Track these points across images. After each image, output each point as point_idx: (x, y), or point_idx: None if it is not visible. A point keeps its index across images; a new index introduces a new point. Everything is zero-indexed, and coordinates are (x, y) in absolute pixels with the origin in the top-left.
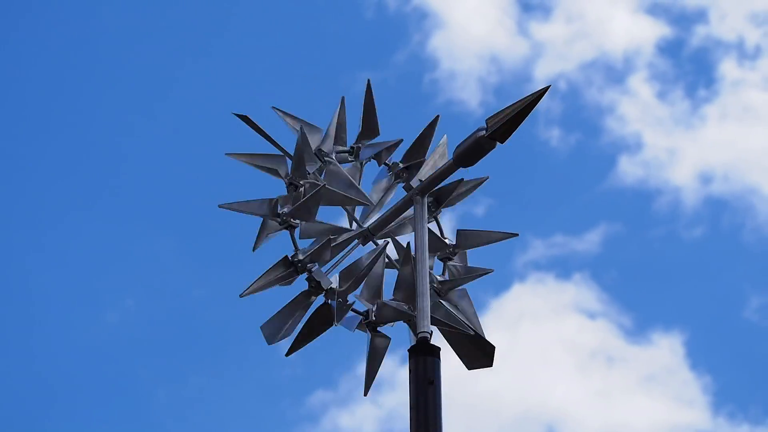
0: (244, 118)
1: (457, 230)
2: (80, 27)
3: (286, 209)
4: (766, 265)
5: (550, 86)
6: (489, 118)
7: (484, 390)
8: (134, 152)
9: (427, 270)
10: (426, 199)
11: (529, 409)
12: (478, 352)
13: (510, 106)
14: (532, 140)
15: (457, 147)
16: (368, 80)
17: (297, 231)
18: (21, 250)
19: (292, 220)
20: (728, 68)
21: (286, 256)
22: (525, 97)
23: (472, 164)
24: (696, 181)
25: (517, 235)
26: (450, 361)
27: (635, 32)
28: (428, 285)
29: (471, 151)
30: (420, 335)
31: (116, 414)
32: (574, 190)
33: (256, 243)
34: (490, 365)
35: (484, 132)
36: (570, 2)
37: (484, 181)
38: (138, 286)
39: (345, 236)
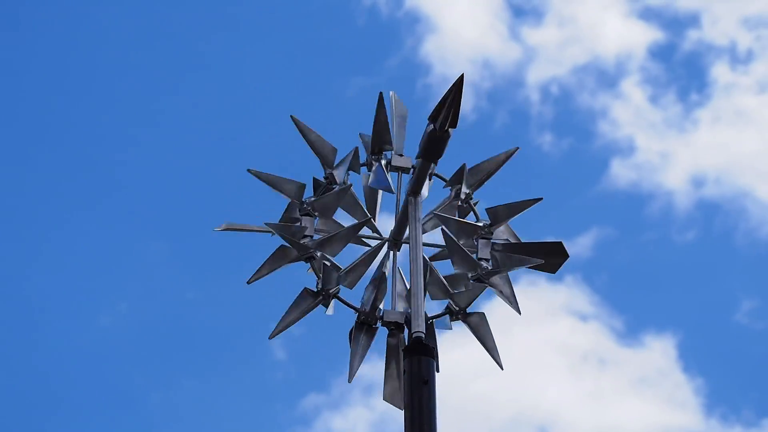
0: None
1: (486, 209)
2: (78, 37)
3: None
4: (758, 268)
5: (463, 74)
6: None
7: (476, 392)
8: (128, 157)
9: (422, 270)
10: (419, 200)
11: (522, 411)
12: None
13: None
14: (524, 145)
15: (419, 144)
16: (381, 93)
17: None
18: (16, 254)
19: (312, 210)
20: (720, 72)
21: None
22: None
23: (438, 157)
24: (688, 184)
25: (541, 199)
26: (442, 363)
27: (627, 36)
28: (423, 285)
29: (429, 145)
30: (415, 335)
31: (110, 417)
32: (566, 194)
33: (280, 221)
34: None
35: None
36: (562, 6)
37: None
38: (131, 289)
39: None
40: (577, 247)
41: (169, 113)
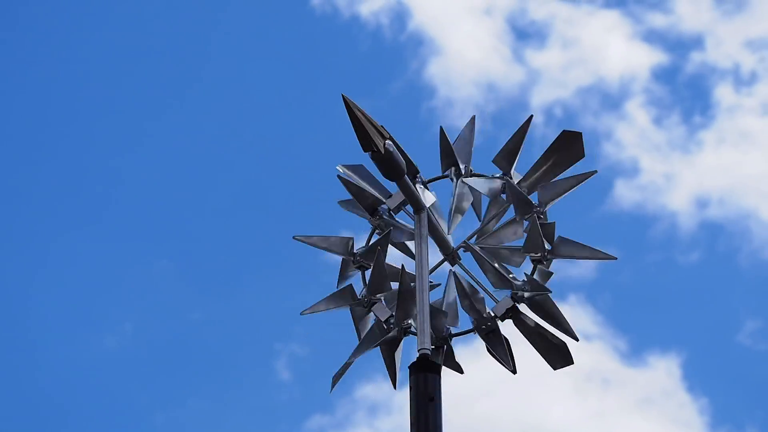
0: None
1: (559, 236)
2: (78, 57)
3: (361, 249)
4: (761, 289)
5: (343, 95)
6: None
7: (481, 411)
8: (132, 175)
9: (427, 287)
10: (424, 216)
11: (527, 430)
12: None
13: None
14: (528, 167)
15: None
16: (337, 168)
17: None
18: (20, 274)
19: (365, 261)
20: (724, 94)
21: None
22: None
23: (398, 173)
24: (692, 205)
25: (615, 258)
26: (448, 382)
27: (631, 59)
28: (428, 301)
29: (382, 166)
30: (421, 352)
31: None
32: (570, 215)
33: (338, 282)
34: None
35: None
36: (565, 29)
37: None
38: (136, 310)
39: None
40: (580, 268)
41: (172, 131)
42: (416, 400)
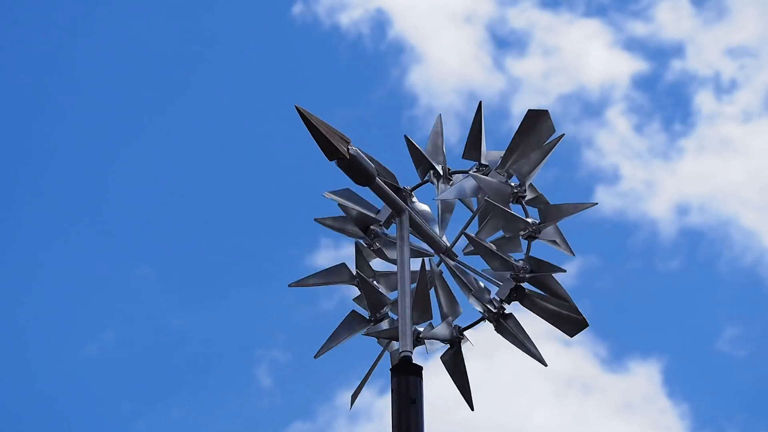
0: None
1: (539, 207)
2: (62, 65)
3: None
4: (741, 295)
5: (296, 105)
6: None
7: (462, 417)
8: (112, 182)
9: (409, 290)
10: (405, 218)
11: None
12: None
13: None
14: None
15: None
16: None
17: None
18: (1, 282)
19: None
20: (704, 101)
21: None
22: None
23: (369, 177)
24: (673, 212)
25: (596, 204)
26: (429, 387)
27: (611, 66)
28: (410, 304)
29: (351, 173)
30: (402, 354)
31: None
32: None
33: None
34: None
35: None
36: (545, 37)
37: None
38: (117, 317)
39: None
40: (562, 275)
41: (153, 139)
42: (398, 403)
